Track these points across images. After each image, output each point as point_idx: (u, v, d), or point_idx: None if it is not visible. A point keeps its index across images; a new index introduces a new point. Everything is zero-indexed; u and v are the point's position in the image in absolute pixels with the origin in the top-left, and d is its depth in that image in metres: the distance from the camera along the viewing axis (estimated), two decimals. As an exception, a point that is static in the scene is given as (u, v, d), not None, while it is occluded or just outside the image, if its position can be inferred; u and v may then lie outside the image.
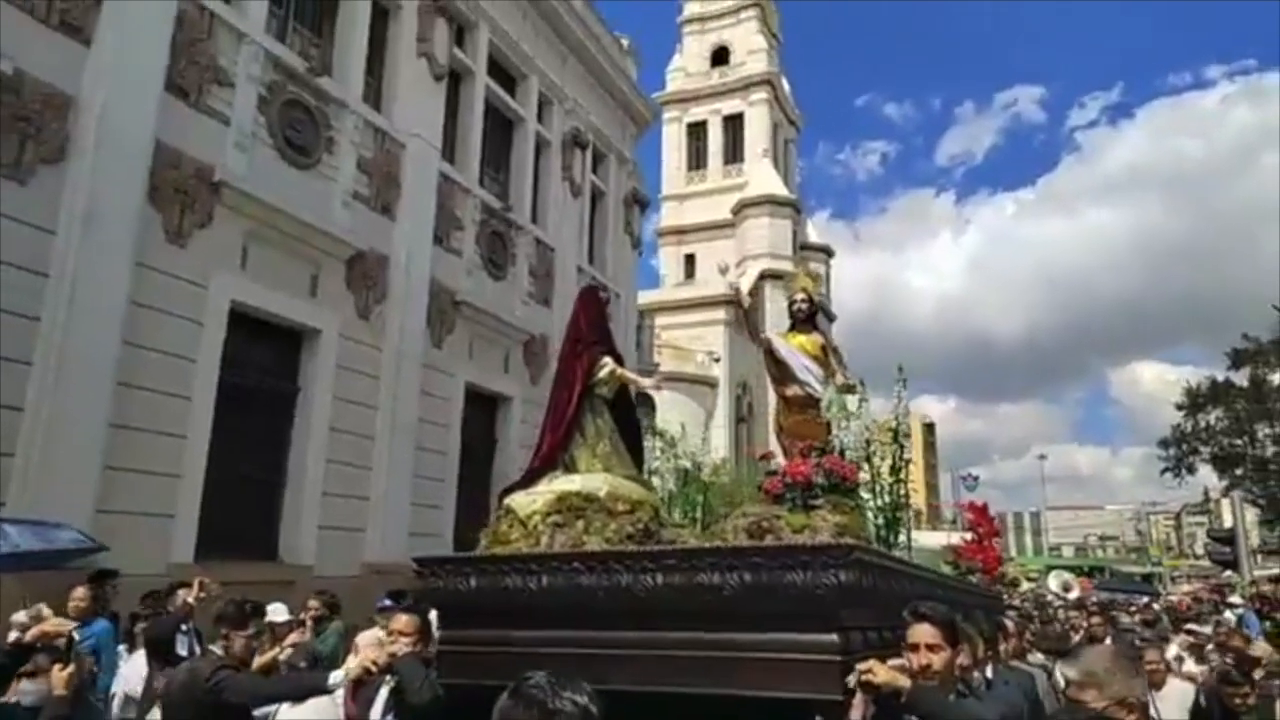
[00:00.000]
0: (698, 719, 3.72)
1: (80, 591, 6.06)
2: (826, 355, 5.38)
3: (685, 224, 42.02)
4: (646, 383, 5.07)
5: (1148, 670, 5.77)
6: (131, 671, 5.45)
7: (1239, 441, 35.98)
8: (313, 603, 6.98)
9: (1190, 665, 8.21)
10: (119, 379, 7.75)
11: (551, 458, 4.36)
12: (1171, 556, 59.59)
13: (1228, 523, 38.33)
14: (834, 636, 2.93)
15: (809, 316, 5.59)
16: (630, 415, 4.76)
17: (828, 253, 45.45)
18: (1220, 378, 36.34)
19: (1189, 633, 9.52)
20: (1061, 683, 2.31)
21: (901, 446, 4.58)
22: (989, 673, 4.52)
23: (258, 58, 9.43)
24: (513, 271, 14.11)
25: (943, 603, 3.66)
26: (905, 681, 2.59)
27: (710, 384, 33.68)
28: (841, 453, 4.24)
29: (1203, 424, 36.84)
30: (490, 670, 3.26)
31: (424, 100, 12.06)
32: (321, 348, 10.20)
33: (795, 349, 5.34)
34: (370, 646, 4.08)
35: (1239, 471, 36.35)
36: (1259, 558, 37.12)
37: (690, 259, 41.29)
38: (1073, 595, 18.34)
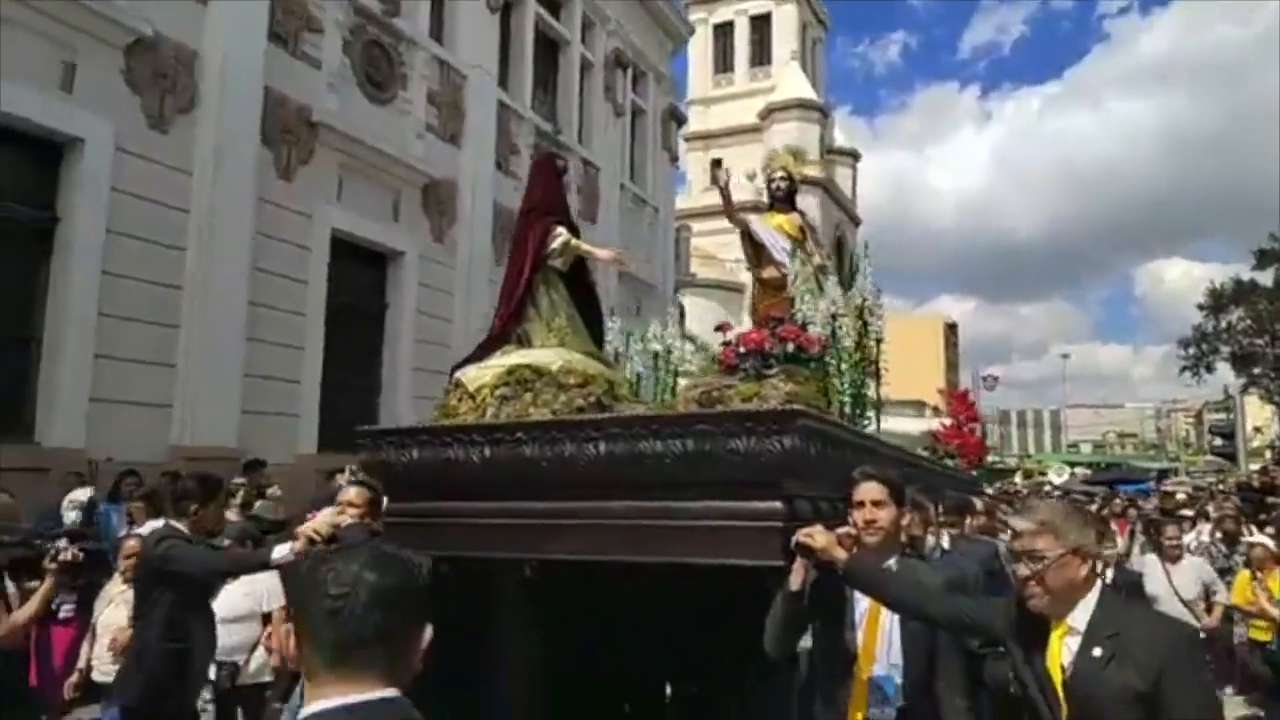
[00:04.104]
0: (643, 587, 3.82)
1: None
2: (805, 235, 5.19)
3: (711, 129, 41.95)
4: (604, 254, 4.75)
5: (1168, 546, 6.40)
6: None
7: (1260, 341, 36.48)
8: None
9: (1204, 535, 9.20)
10: (250, 299, 9.05)
11: (504, 332, 4.19)
12: (1191, 453, 60.72)
13: (1250, 420, 39.34)
14: (778, 504, 2.85)
15: (788, 195, 5.32)
16: (588, 289, 4.55)
17: (854, 156, 45.44)
18: (1245, 277, 36.61)
19: (1184, 519, 10.78)
20: (1011, 535, 2.23)
21: (866, 324, 4.30)
22: (945, 543, 4.81)
23: (341, 3, 10.33)
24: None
25: (904, 478, 3.91)
26: (841, 553, 2.57)
27: (738, 289, 34.68)
28: (804, 326, 4.05)
29: (1224, 324, 37.24)
30: (436, 541, 3.36)
31: (481, 31, 12.88)
32: (405, 268, 11.45)
33: (773, 230, 5.15)
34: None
35: (1257, 370, 36.99)
36: (1277, 452, 38.23)
37: (717, 164, 41.47)
38: (1059, 481, 19.62)
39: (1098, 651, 2.00)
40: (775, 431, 2.79)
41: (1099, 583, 2.12)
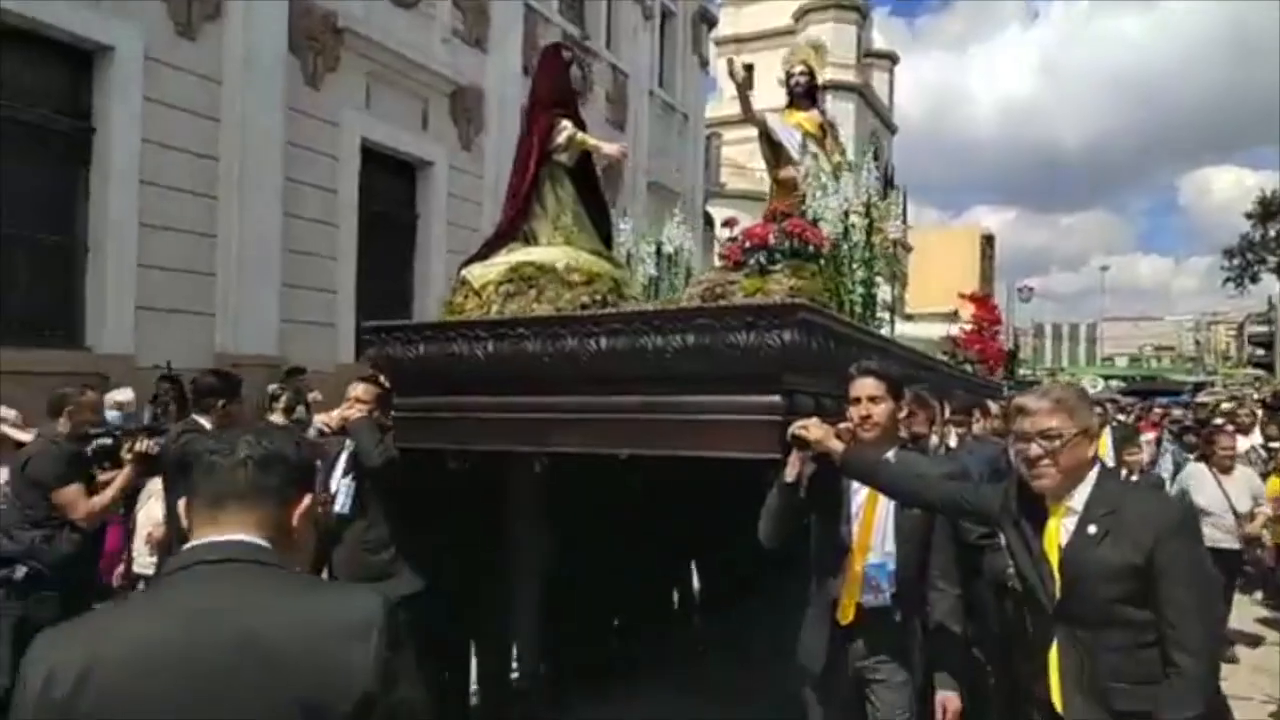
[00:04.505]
0: (643, 479, 3.90)
1: None
2: (824, 133, 5.06)
3: (743, 32, 40.51)
4: (610, 148, 4.59)
5: (1221, 455, 6.13)
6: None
7: (1308, 250, 35.39)
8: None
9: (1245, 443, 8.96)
10: (285, 210, 9.15)
11: (511, 229, 4.15)
12: (1230, 366, 59.64)
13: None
14: (777, 398, 2.85)
15: (808, 91, 5.15)
16: (595, 187, 4.45)
17: (892, 59, 43.86)
18: (1297, 184, 35.22)
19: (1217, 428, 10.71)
20: (1021, 415, 2.21)
21: (872, 222, 4.20)
22: (952, 441, 4.78)
23: (361, -99, 10.05)
24: (591, 99, 14.83)
25: (912, 379, 3.76)
26: (837, 445, 2.59)
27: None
28: (814, 221, 3.96)
29: (1273, 232, 36.17)
30: (441, 435, 3.52)
31: (506, -71, 12.48)
32: (434, 178, 11.44)
33: (792, 128, 5.01)
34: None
35: (1301, 280, 35.99)
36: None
37: (749, 70, 40.15)
38: (1091, 394, 19.58)
39: (1092, 529, 2.07)
40: (775, 325, 2.77)
41: (1099, 464, 2.18)
